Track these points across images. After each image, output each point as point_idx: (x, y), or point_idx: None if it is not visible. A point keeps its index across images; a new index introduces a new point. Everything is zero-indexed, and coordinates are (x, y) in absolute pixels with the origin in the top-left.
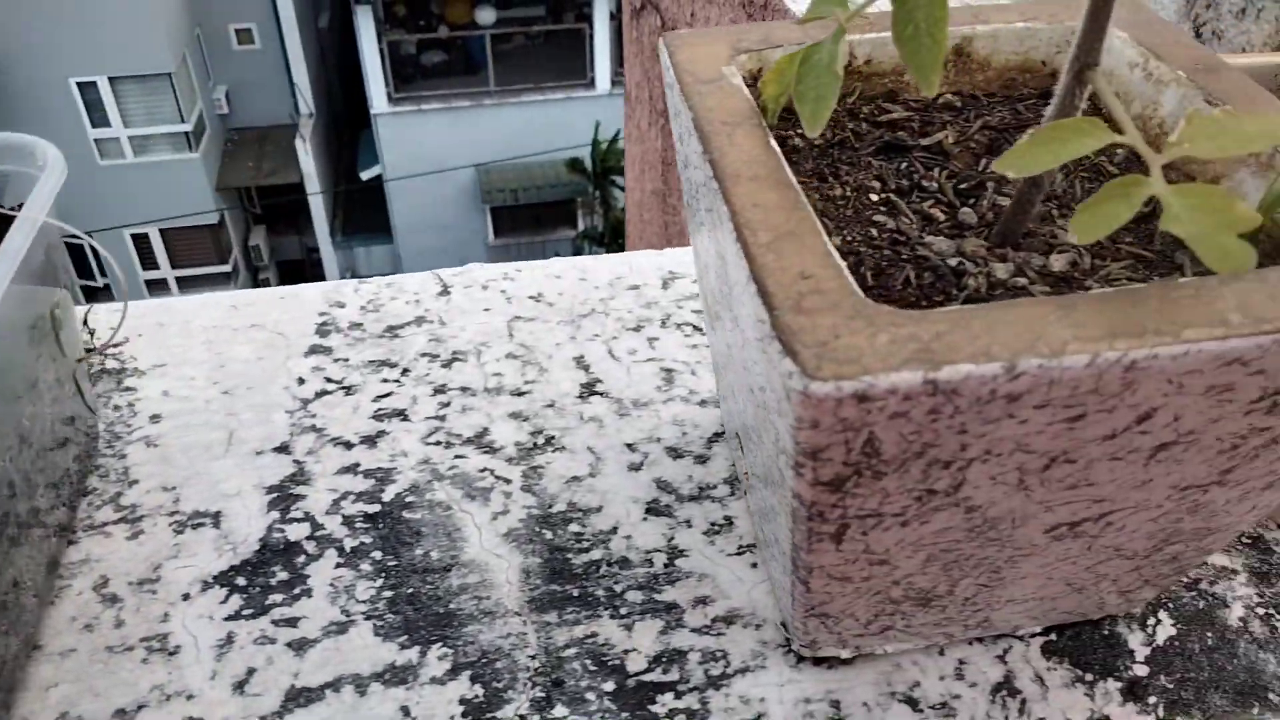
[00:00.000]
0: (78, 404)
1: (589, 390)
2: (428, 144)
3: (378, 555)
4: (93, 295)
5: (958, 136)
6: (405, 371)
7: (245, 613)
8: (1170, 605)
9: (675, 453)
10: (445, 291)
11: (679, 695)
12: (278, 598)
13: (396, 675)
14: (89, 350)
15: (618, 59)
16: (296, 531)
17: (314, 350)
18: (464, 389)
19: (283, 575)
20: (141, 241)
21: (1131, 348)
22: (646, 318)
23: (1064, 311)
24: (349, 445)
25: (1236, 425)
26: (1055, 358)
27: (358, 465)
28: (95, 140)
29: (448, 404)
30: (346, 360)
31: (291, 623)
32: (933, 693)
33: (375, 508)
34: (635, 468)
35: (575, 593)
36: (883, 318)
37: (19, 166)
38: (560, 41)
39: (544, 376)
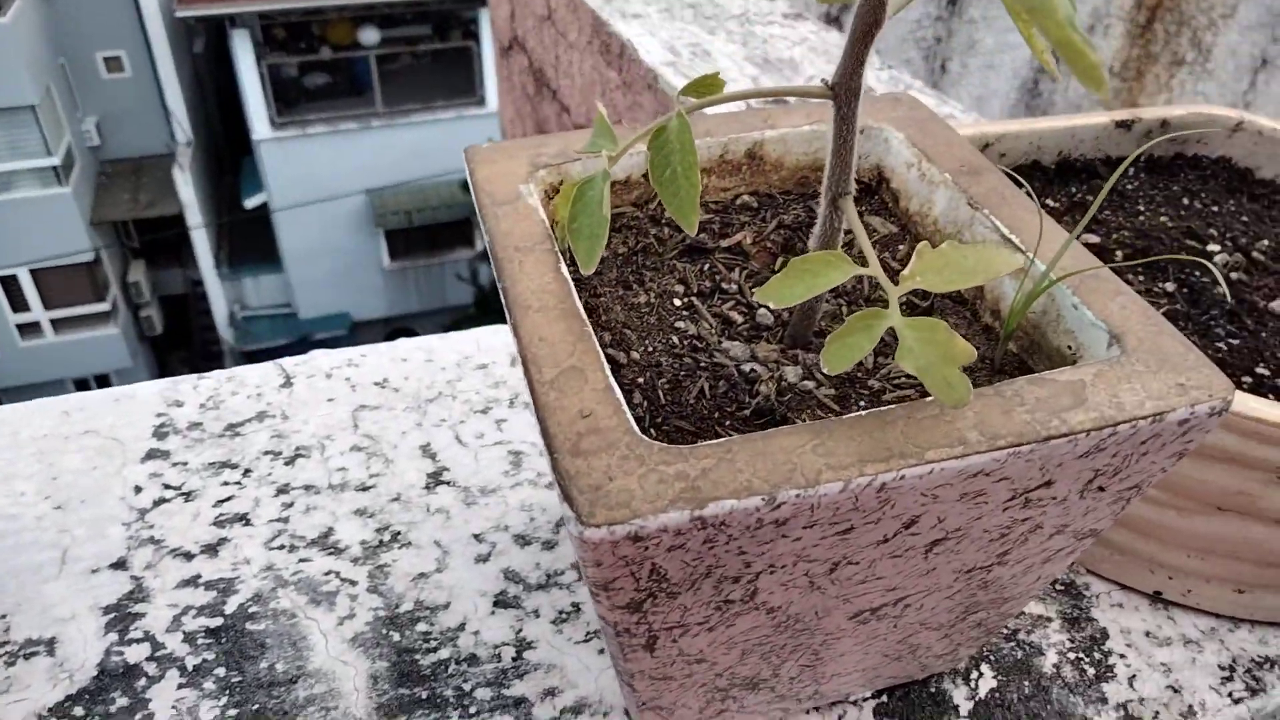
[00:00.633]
0: None
1: (435, 480)
2: (315, 168)
3: (221, 672)
4: None
5: (755, 236)
6: (247, 472)
7: None
8: (991, 657)
9: (523, 540)
10: (288, 383)
11: None
12: None
13: None
14: None
15: None
16: (136, 653)
17: (151, 455)
18: (307, 487)
19: (123, 701)
20: (10, 283)
21: (880, 472)
22: (495, 398)
23: (819, 439)
24: (189, 556)
25: (998, 520)
26: (811, 487)
27: (198, 577)
28: None
29: (291, 504)
30: (185, 464)
31: None
32: None
33: (218, 621)
34: (483, 559)
35: (424, 694)
36: (654, 456)
37: None
38: (448, 60)
39: (389, 468)
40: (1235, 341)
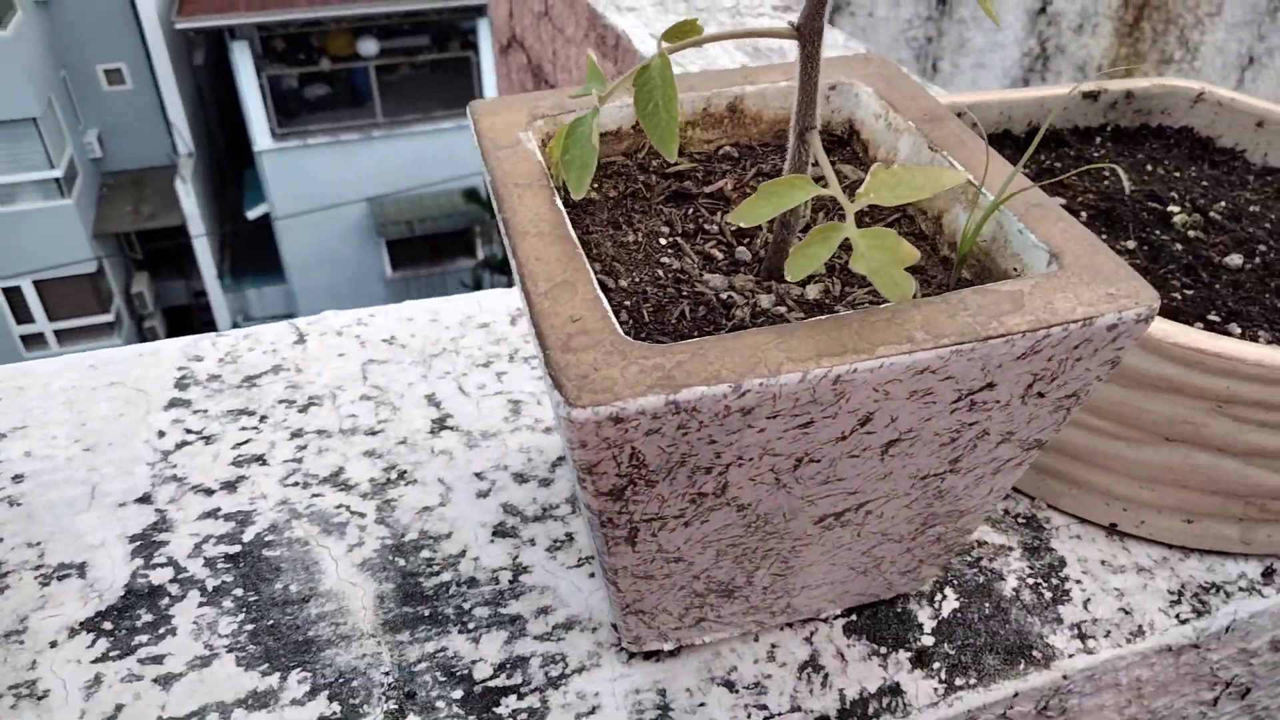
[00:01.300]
0: None
1: (440, 425)
2: (316, 179)
3: (239, 592)
4: None
5: (735, 183)
6: (263, 419)
7: (112, 654)
8: (955, 581)
9: (521, 478)
10: (301, 340)
11: (521, 697)
12: (143, 638)
13: (259, 700)
14: None
15: None
16: (160, 576)
17: (173, 404)
18: (320, 431)
19: (148, 617)
20: (14, 295)
21: (834, 365)
22: (495, 354)
23: (781, 338)
24: (209, 492)
25: (947, 422)
26: (773, 376)
27: (218, 510)
28: None
29: (304, 447)
30: (206, 411)
31: (157, 660)
32: (748, 675)
33: (236, 548)
34: (483, 495)
35: (426, 612)
36: (635, 351)
37: None
38: (447, 70)
39: (396, 415)
40: (1190, 292)
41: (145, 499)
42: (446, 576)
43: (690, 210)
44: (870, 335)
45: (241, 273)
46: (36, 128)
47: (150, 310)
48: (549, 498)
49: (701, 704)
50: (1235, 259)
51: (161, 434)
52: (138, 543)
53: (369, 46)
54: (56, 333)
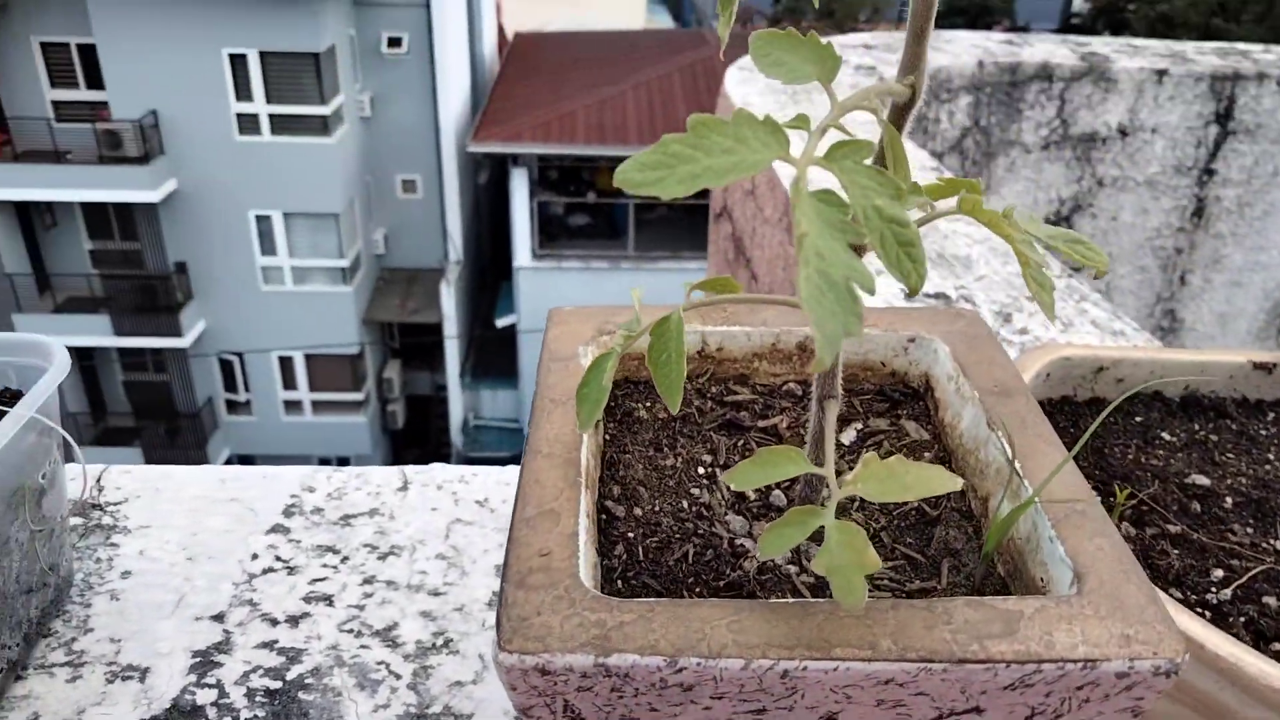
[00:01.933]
0: (55, 556)
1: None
2: (564, 298)
3: None
4: (234, 408)
5: (790, 422)
6: (345, 559)
7: None
8: None
9: None
10: (404, 487)
11: None
12: None
13: None
14: (77, 510)
15: None
16: (204, 696)
17: (275, 529)
18: (389, 583)
19: None
20: (286, 364)
21: (782, 658)
22: None
23: (736, 617)
24: (275, 622)
25: None
26: (713, 659)
27: (275, 642)
28: (262, 267)
29: (371, 595)
30: (299, 542)
31: None
32: None
33: (277, 684)
34: None
35: None
36: (585, 602)
37: (30, 360)
38: (699, 215)
39: (463, 580)
40: None
41: (219, 617)
42: None
43: (740, 442)
44: (832, 632)
45: (481, 374)
46: (336, 222)
47: (396, 395)
48: None
49: None
50: None
51: (255, 556)
52: (198, 659)
53: None
54: (313, 403)
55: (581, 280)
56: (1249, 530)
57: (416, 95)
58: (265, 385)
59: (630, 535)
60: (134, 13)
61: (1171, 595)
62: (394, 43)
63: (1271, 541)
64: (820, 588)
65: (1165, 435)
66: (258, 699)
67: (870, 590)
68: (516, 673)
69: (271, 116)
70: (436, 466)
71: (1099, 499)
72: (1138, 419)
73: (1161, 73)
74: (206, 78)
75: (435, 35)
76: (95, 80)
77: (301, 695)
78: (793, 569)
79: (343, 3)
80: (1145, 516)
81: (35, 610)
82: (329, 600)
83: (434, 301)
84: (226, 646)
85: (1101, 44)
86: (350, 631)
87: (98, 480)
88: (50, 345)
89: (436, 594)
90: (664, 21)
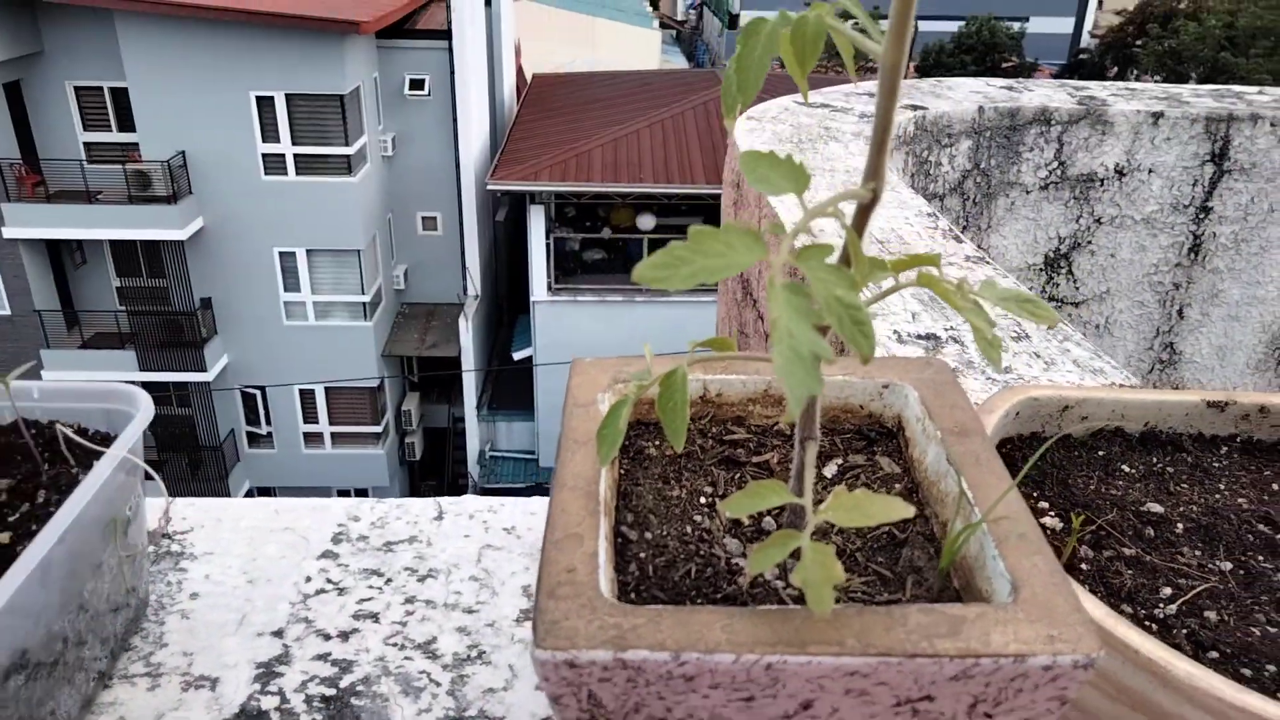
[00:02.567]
0: (136, 579)
1: (526, 616)
2: (578, 330)
3: None
4: (256, 440)
5: (780, 458)
6: (389, 581)
7: None
8: None
9: None
10: (440, 517)
11: None
12: None
13: None
14: (155, 538)
15: None
16: (268, 703)
17: (325, 554)
18: (428, 602)
19: None
20: (307, 396)
21: (765, 653)
22: None
23: (729, 621)
24: (328, 637)
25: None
26: (709, 654)
27: (329, 654)
28: (285, 302)
29: (412, 613)
30: (347, 566)
31: None
32: None
33: (332, 691)
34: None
35: None
36: (605, 609)
37: (120, 406)
38: None
39: (494, 600)
40: (1274, 630)
41: (278, 633)
42: None
43: (737, 475)
44: (807, 633)
45: (497, 407)
46: (358, 258)
47: (414, 428)
48: None
49: None
50: None
51: (308, 579)
52: (261, 670)
53: (647, 221)
54: (333, 435)
55: (596, 314)
56: (1197, 553)
57: (437, 135)
58: (287, 418)
59: (642, 555)
60: (165, 57)
61: (1123, 610)
62: (416, 85)
63: (1217, 563)
64: (802, 599)
65: (1125, 467)
66: (315, 704)
67: (845, 600)
68: (549, 666)
69: (297, 157)
70: (468, 498)
71: (1038, 524)
72: (1100, 453)
73: (1158, 115)
74: (234, 119)
75: (456, 77)
76: (126, 122)
77: (354, 701)
78: (779, 584)
79: (367, 46)
80: (1103, 540)
81: (120, 627)
82: (375, 617)
83: (452, 335)
84: (286, 659)
85: (1099, 88)
86: (395, 645)
87: (165, 511)
88: (137, 394)
89: (470, 611)
90: (678, 62)
